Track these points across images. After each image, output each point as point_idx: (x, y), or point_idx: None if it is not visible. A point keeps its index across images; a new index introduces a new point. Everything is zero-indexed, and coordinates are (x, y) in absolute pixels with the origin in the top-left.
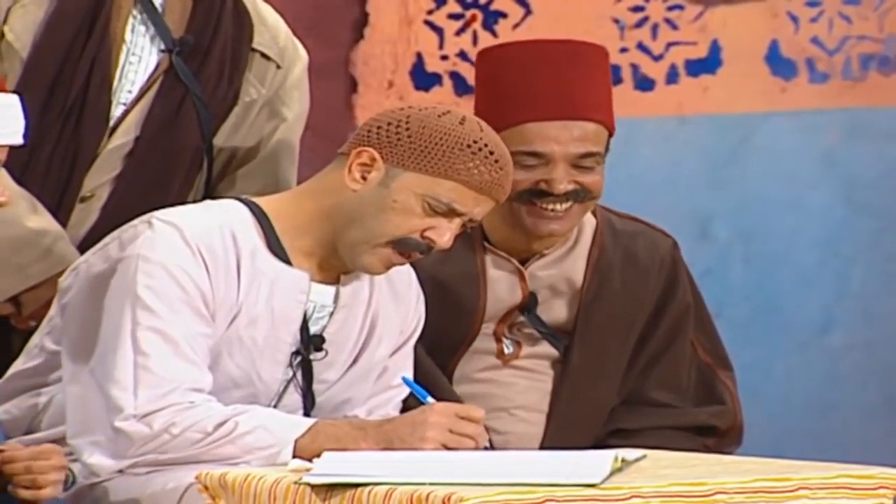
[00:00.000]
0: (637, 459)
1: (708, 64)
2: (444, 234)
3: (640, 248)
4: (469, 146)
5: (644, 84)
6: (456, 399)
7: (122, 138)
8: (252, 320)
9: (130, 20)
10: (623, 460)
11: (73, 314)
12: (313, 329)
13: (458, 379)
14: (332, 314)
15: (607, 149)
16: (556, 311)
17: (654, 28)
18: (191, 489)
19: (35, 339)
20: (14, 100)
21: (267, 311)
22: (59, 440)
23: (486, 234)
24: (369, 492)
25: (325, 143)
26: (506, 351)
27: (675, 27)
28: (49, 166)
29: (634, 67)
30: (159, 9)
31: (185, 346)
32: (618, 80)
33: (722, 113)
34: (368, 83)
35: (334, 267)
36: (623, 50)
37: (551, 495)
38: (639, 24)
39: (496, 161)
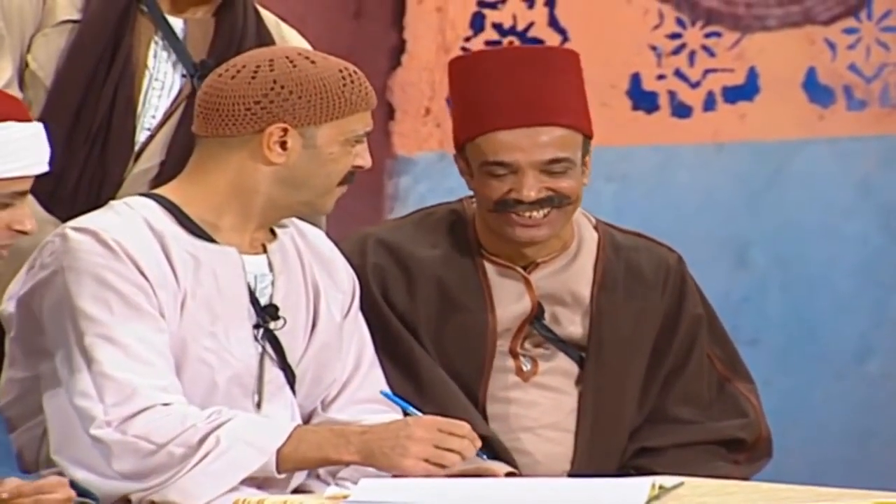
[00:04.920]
0: (675, 486)
1: (745, 91)
2: (366, 155)
3: (643, 262)
4: (343, 79)
5: (681, 111)
6: (477, 419)
7: (148, 163)
8: (201, 302)
9: (153, 46)
10: (661, 487)
11: (23, 343)
12: (262, 301)
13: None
14: (273, 282)
15: (586, 152)
16: (565, 325)
17: (692, 55)
18: None
19: (5, 374)
20: (39, 128)
21: (212, 291)
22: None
23: (482, 245)
24: None
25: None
26: (524, 368)
27: (712, 54)
28: (76, 192)
29: (672, 94)
30: (180, 34)
31: (135, 347)
32: (655, 107)
33: (759, 140)
34: (406, 110)
35: (258, 239)
36: (660, 77)
37: None
38: (676, 52)
39: (358, 75)
